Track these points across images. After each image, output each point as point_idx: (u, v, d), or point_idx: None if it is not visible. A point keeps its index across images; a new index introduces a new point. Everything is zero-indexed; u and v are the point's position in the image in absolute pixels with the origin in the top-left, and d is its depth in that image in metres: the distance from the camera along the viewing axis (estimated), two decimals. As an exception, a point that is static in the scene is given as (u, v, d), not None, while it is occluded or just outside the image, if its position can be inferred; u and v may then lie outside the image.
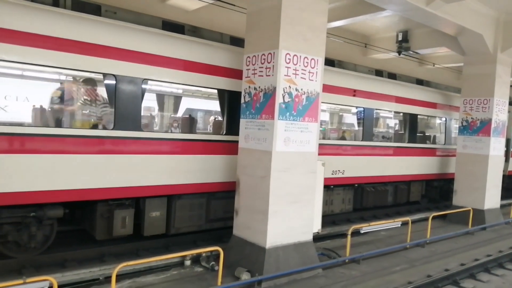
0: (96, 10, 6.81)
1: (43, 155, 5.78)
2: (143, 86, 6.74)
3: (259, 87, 6.56)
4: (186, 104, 10.00)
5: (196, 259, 6.89)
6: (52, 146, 5.85)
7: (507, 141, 14.53)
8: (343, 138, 10.81)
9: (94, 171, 6.23)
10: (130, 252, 7.24)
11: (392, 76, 12.66)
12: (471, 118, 11.52)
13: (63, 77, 7.29)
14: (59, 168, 5.91)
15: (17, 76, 6.56)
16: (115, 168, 6.42)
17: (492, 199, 11.42)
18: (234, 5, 8.69)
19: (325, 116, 11.55)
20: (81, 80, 7.03)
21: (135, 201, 7.05)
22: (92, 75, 6.68)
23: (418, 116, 12.19)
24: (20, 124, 6.22)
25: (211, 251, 6.50)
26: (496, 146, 11.36)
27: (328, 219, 10.20)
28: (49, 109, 6.84)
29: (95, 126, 6.74)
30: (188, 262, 6.80)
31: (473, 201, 11.21)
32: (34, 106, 6.51)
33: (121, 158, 6.49)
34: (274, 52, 6.27)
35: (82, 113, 7.05)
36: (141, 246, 7.40)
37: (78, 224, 7.46)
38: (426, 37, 12.06)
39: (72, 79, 6.99)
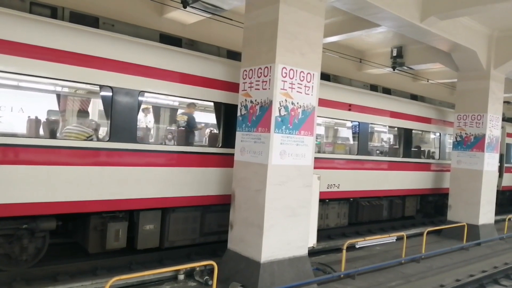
0: (94, 23, 6.84)
1: (37, 167, 5.73)
2: (140, 98, 6.74)
3: (256, 100, 6.58)
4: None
5: (189, 274, 6.80)
6: (46, 157, 5.80)
7: (501, 156, 14.63)
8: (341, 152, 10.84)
9: (88, 183, 6.17)
10: (123, 266, 7.13)
11: (386, 91, 12.77)
12: (465, 133, 11.61)
13: (58, 88, 7.31)
14: (53, 179, 5.86)
15: (14, 87, 6.56)
16: (109, 180, 6.37)
17: (486, 214, 11.44)
18: (231, 20, 8.77)
19: (320, 130, 11.59)
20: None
21: (129, 213, 6.98)
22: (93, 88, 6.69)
23: (413, 131, 12.27)
24: (14, 135, 6.19)
25: (205, 265, 6.44)
26: (490, 161, 11.43)
27: (323, 233, 10.15)
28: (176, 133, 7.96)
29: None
30: (181, 277, 6.71)
31: (468, 216, 11.23)
32: (29, 116, 6.48)
33: (116, 170, 6.44)
34: (270, 66, 6.32)
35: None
36: (134, 259, 7.31)
37: (70, 237, 7.36)
38: (421, 53, 12.23)
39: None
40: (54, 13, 6.56)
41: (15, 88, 6.63)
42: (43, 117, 6.71)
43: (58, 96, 7.46)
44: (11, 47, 5.48)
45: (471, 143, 11.46)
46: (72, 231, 7.10)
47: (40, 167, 5.75)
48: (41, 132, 6.55)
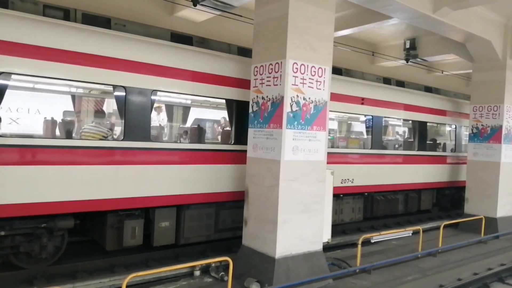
0: (106, 23, 6.92)
1: (54, 167, 5.84)
2: (152, 97, 6.81)
3: (267, 96, 6.58)
4: (194, 114, 10.08)
5: (205, 270, 6.88)
6: (63, 157, 5.91)
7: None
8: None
9: (105, 181, 6.27)
10: (140, 263, 7.24)
11: (400, 83, 12.62)
12: (482, 125, 11.42)
13: (73, 89, 7.42)
14: (70, 179, 5.97)
15: (30, 89, 6.69)
16: (125, 179, 6.47)
17: (504, 207, 11.25)
18: (241, 16, 8.77)
19: (333, 125, 11.53)
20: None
21: (145, 211, 7.08)
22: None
23: (428, 124, 12.11)
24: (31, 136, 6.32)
25: (221, 262, 6.49)
26: (508, 153, 11.22)
27: (338, 228, 10.12)
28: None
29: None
30: (197, 273, 6.79)
31: (485, 209, 11.06)
32: (45, 117, 6.62)
33: (131, 168, 6.53)
34: (281, 62, 6.31)
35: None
36: (150, 256, 7.41)
37: (88, 235, 7.50)
38: (434, 44, 12.04)
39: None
40: (66, 15, 6.66)
41: (32, 90, 6.76)
42: (59, 118, 6.84)
43: (73, 97, 7.58)
44: (27, 50, 5.58)
45: (488, 134, 11.27)
46: (90, 229, 7.23)
47: (58, 167, 5.87)
48: (58, 132, 6.68)
